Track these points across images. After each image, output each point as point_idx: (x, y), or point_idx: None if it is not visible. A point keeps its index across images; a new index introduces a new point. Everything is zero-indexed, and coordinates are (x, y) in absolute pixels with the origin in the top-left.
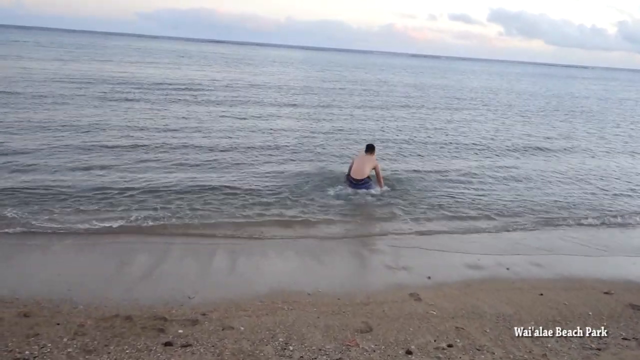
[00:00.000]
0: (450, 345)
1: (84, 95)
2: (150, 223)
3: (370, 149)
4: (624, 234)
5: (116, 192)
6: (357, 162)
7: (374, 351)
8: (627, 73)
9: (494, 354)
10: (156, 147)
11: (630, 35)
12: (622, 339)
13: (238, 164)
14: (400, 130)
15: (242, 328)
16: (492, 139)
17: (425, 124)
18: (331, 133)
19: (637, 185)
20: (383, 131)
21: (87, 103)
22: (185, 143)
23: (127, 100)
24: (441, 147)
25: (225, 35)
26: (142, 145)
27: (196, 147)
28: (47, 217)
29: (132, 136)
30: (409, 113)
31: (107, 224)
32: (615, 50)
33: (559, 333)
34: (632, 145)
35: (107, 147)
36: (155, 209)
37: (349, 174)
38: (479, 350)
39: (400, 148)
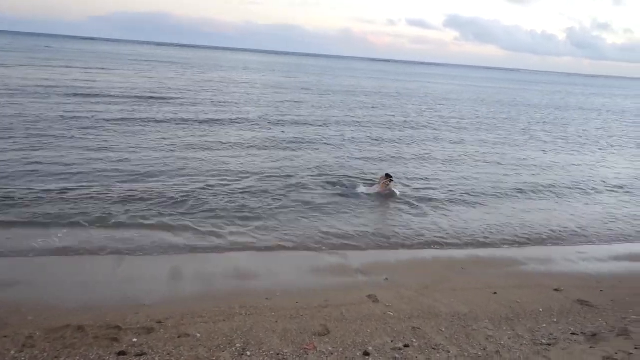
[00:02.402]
0: (406, 346)
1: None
2: (102, 230)
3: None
4: None
5: (60, 196)
6: None
7: (332, 354)
8: (575, 78)
9: (449, 352)
10: (102, 149)
11: (578, 42)
12: (571, 333)
13: (191, 174)
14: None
15: (198, 335)
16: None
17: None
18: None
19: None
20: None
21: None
22: (134, 148)
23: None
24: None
25: (182, 39)
26: (85, 150)
27: (147, 154)
28: None
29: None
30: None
31: (55, 232)
32: (564, 56)
33: (511, 330)
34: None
35: (45, 149)
36: (107, 215)
37: None
38: (434, 349)
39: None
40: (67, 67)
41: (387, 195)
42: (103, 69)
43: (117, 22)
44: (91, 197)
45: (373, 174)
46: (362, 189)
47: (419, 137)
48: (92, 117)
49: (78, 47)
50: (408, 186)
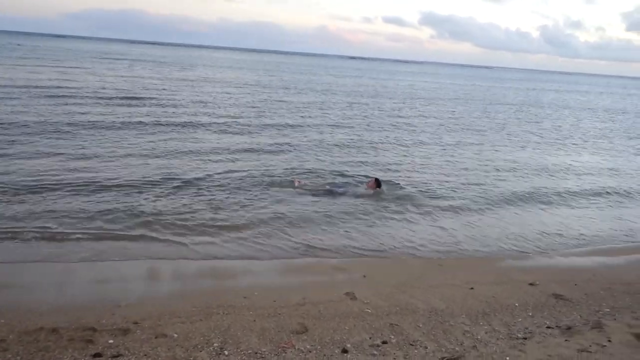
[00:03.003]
0: (385, 342)
1: None
2: (77, 230)
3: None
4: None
5: (32, 199)
6: None
7: (310, 352)
8: (549, 75)
9: (427, 348)
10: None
11: (551, 39)
12: (546, 327)
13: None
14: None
15: (175, 335)
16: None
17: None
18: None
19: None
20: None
21: None
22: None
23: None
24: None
25: (157, 37)
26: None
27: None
28: None
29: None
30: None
31: (26, 235)
32: (537, 53)
33: (488, 324)
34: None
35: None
36: (81, 213)
37: None
38: (412, 345)
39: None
40: (39, 65)
41: (372, 196)
42: (78, 67)
43: (90, 20)
44: (65, 201)
45: (362, 176)
46: (348, 191)
47: (401, 137)
48: (65, 120)
49: (51, 44)
50: (397, 184)
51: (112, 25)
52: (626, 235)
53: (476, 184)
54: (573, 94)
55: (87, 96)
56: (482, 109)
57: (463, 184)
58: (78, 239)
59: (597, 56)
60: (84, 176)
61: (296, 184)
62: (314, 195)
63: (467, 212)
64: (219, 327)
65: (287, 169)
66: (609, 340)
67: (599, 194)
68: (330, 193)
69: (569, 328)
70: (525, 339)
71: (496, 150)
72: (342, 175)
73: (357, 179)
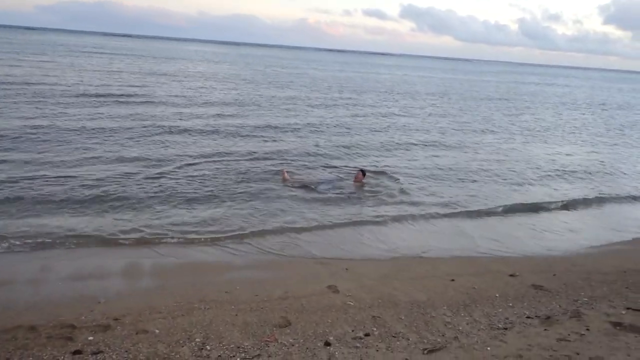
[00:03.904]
0: (367, 334)
1: None
2: (51, 228)
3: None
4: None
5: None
6: None
7: (293, 345)
8: (527, 67)
9: (409, 339)
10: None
11: (529, 32)
12: (526, 317)
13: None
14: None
15: (156, 331)
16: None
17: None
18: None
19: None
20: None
21: None
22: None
23: None
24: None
25: (133, 30)
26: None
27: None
28: None
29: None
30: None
31: None
32: (516, 46)
33: (469, 316)
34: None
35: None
36: (57, 210)
37: None
38: (394, 337)
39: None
40: (15, 59)
41: (358, 190)
42: (51, 61)
43: (64, 12)
44: (40, 196)
45: (351, 167)
46: (334, 185)
47: (391, 133)
48: (41, 122)
49: (23, 37)
50: (382, 178)
51: (88, 17)
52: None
53: (461, 180)
54: (553, 87)
55: (66, 94)
56: (464, 104)
57: (447, 179)
58: (52, 235)
59: (574, 49)
60: (62, 171)
61: (285, 176)
62: (300, 188)
63: (452, 207)
64: (200, 322)
65: (273, 160)
66: (587, 329)
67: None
68: (317, 186)
69: (548, 318)
70: (505, 329)
71: (477, 144)
72: (329, 167)
73: (345, 170)
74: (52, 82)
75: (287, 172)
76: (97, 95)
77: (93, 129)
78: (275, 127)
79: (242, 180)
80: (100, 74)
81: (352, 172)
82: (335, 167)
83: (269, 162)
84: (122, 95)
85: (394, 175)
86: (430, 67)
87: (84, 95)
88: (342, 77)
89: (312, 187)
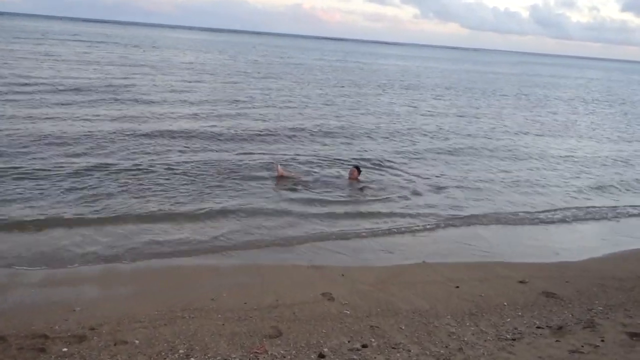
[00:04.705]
0: (364, 346)
1: None
2: (21, 232)
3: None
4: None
5: None
6: None
7: (284, 357)
8: (540, 57)
9: (410, 351)
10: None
11: (541, 20)
12: (536, 327)
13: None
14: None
15: (137, 341)
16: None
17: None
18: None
19: None
20: None
21: None
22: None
23: None
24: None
25: (116, 15)
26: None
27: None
28: None
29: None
30: None
31: None
32: (527, 34)
33: (475, 325)
34: None
35: None
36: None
37: None
38: (394, 348)
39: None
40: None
41: (353, 188)
42: (23, 50)
43: None
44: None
45: (347, 164)
46: (329, 182)
47: (391, 125)
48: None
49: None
50: (381, 175)
51: (65, 1)
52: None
53: (468, 180)
54: (568, 80)
55: (42, 89)
56: (471, 96)
57: (453, 179)
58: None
59: (590, 38)
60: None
61: (278, 172)
62: (294, 185)
63: (458, 209)
64: (184, 332)
65: (267, 155)
66: (602, 340)
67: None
68: (310, 184)
69: (560, 328)
70: (514, 340)
71: (489, 138)
72: (325, 162)
73: (342, 167)
74: (23, 74)
75: (279, 166)
76: (75, 90)
77: (68, 132)
78: (271, 121)
79: (230, 177)
80: (79, 65)
81: (348, 167)
82: (334, 160)
83: (260, 158)
84: (103, 89)
85: (393, 171)
86: (437, 57)
87: (59, 91)
88: (341, 68)
89: (305, 184)
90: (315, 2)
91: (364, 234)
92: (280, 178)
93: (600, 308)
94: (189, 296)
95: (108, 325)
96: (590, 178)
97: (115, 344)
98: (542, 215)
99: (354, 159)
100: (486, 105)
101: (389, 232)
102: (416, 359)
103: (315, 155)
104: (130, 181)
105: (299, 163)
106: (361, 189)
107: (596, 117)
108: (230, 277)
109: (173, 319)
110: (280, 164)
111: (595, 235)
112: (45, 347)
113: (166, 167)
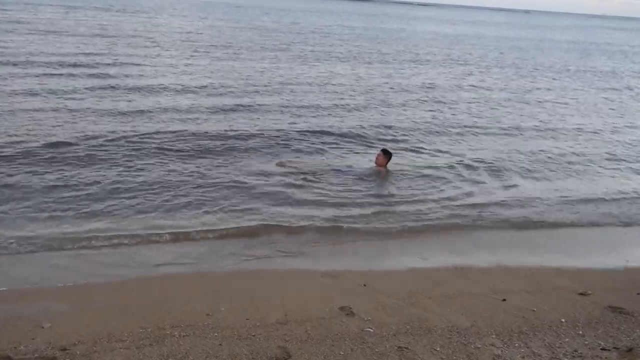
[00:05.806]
0: None
1: None
2: None
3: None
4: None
5: None
6: None
7: None
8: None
9: None
10: None
11: None
12: (601, 349)
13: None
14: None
15: None
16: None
17: None
18: None
19: None
20: None
21: None
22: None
23: None
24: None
25: None
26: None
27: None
28: None
29: None
30: None
31: None
32: None
33: (525, 347)
34: None
35: None
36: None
37: None
38: None
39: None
40: None
41: (381, 178)
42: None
43: None
44: None
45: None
46: (351, 171)
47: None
48: None
49: None
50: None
51: None
52: None
53: (526, 170)
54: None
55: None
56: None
57: (505, 169)
58: None
59: None
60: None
61: (284, 164)
62: (304, 177)
63: (507, 206)
64: (174, 353)
65: (272, 141)
66: None
67: None
68: (329, 175)
69: (630, 350)
70: None
71: (553, 128)
72: (347, 150)
73: (366, 155)
74: None
75: (285, 161)
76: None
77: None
78: (283, 106)
79: (231, 167)
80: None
81: (375, 151)
82: (357, 150)
83: (267, 146)
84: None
85: (432, 159)
86: (479, 21)
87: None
88: (367, 36)
89: (320, 175)
90: None
91: (390, 233)
92: (284, 166)
93: None
94: (179, 310)
95: (83, 345)
96: None
97: None
98: (605, 210)
99: (381, 140)
100: (547, 81)
101: (421, 231)
102: None
103: (331, 134)
104: None
105: (315, 146)
106: (388, 178)
107: None
108: (230, 286)
109: (161, 338)
110: (286, 159)
111: None
112: None
113: (156, 154)
